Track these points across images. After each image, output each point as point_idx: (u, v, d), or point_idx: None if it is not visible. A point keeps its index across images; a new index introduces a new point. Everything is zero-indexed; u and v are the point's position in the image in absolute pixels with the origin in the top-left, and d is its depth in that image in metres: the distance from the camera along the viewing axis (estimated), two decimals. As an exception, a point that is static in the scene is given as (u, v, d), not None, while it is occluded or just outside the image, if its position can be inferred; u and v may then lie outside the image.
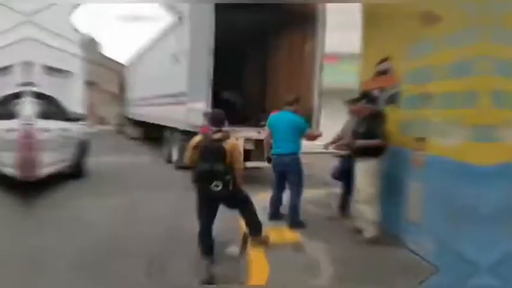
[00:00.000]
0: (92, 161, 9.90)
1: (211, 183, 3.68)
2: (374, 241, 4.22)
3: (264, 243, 4.05)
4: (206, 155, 3.72)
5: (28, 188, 5.62)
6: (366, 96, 4.53)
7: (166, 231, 4.79)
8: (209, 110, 7.23)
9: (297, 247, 4.06)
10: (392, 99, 4.59)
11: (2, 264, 3.67)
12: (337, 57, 17.29)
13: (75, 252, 4.02)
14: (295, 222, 4.77)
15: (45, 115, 6.62)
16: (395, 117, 4.38)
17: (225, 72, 9.90)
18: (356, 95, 4.85)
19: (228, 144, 3.74)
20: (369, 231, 4.24)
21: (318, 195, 6.70)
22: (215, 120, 3.90)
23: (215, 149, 3.71)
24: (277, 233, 4.45)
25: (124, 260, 3.86)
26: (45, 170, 6.23)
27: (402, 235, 4.26)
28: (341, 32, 13.76)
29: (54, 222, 5.04)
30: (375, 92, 4.88)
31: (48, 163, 6.36)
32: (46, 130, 6.24)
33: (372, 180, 4.25)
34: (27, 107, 5.91)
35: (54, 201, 6.04)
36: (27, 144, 5.58)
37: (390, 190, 4.51)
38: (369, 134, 4.21)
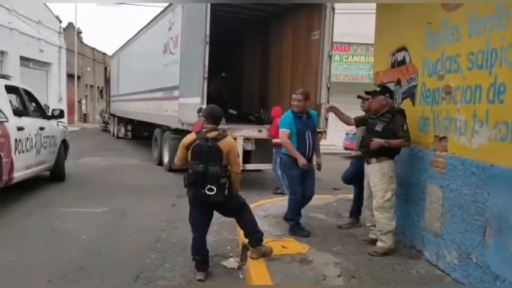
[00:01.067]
0: (73, 163, 9.91)
1: (204, 187, 3.66)
2: (389, 253, 4.20)
3: (265, 255, 4.02)
4: (199, 156, 3.69)
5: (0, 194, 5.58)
6: (385, 90, 4.47)
7: (156, 242, 4.77)
8: (204, 105, 7.22)
9: (303, 259, 4.04)
10: (409, 93, 4.56)
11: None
12: (348, 46, 17.33)
13: (52, 267, 3.99)
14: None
15: (20, 112, 6.60)
16: (411, 114, 4.35)
17: (221, 63, 9.92)
18: (371, 89, 4.81)
19: (223, 144, 3.71)
20: (384, 242, 4.21)
21: (326, 201, 6.69)
22: (210, 117, 3.87)
23: (209, 149, 3.68)
24: (281, 243, 4.42)
25: (108, 274, 3.84)
26: (19, 174, 6.20)
27: (420, 246, 4.24)
28: (352, 18, 13.77)
29: (29, 232, 5.02)
30: (391, 86, 4.85)
31: (24, 166, 6.33)
32: (21, 128, 6.18)
33: (389, 183, 4.22)
34: (1, 102, 5.83)
35: (30, 209, 6.03)
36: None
37: (406, 196, 4.50)
38: (389, 133, 4.18)
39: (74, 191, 7.39)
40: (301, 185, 4.90)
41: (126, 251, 4.46)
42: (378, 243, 4.25)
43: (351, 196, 5.58)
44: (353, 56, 17.57)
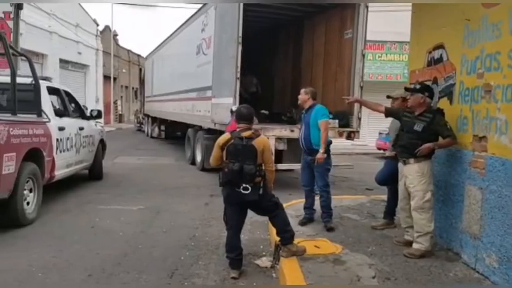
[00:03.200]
0: (110, 162, 10.21)
1: (239, 186, 3.70)
2: (425, 255, 4.11)
3: (295, 254, 4.02)
4: (234, 155, 3.74)
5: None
6: (425, 88, 4.36)
7: (190, 240, 4.86)
8: (236, 105, 7.28)
9: (336, 259, 4.01)
10: (446, 92, 4.45)
11: (14, 279, 3.82)
12: (381, 44, 17.04)
13: (92, 262, 4.14)
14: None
15: (61, 112, 6.85)
16: (449, 113, 4.24)
17: (253, 63, 9.96)
18: (406, 87, 4.70)
19: (257, 142, 3.74)
20: (421, 244, 4.13)
21: (359, 201, 6.61)
22: (243, 117, 3.91)
23: (244, 147, 3.73)
24: (314, 243, 4.41)
25: (144, 270, 3.94)
26: (60, 172, 6.44)
27: (458, 249, 4.12)
28: (386, 16, 13.53)
29: (70, 229, 5.21)
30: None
31: (64, 164, 6.57)
32: (62, 128, 6.42)
33: (428, 184, 4.14)
34: (43, 103, 6.07)
35: (70, 206, 6.25)
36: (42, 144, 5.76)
37: (444, 197, 4.39)
38: (430, 133, 4.09)
39: (111, 189, 7.61)
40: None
41: (162, 248, 4.56)
42: (414, 245, 4.17)
43: (384, 197, 5.50)
44: (386, 54, 17.27)
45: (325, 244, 4.45)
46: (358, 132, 8.18)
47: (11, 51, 5.59)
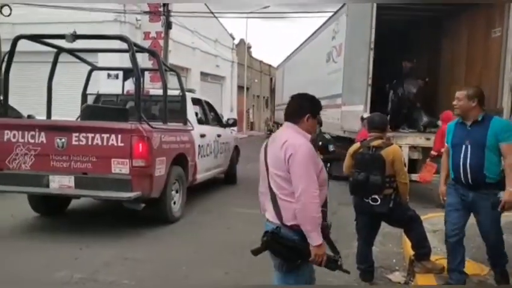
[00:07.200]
0: (243, 167, 10.76)
1: (367, 197, 3.59)
2: None
3: (431, 271, 3.73)
4: (360, 164, 3.65)
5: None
6: None
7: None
8: (367, 113, 7.09)
9: (481, 282, 3.62)
10: None
11: (147, 273, 4.26)
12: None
13: (228, 261, 4.40)
14: None
15: (202, 120, 7.47)
16: None
17: (386, 66, 9.58)
18: None
19: (386, 153, 3.58)
20: None
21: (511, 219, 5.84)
22: (374, 125, 3.79)
23: (371, 157, 3.60)
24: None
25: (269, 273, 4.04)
26: (201, 176, 6.99)
27: None
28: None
29: (209, 228, 5.63)
30: None
31: (204, 169, 7.12)
32: (203, 135, 6.97)
33: None
34: (188, 113, 6.66)
35: (208, 208, 6.75)
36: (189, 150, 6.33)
37: None
38: None
39: (244, 193, 7.97)
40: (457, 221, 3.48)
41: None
42: None
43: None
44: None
45: (468, 264, 4.03)
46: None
47: (163, 67, 6.28)
